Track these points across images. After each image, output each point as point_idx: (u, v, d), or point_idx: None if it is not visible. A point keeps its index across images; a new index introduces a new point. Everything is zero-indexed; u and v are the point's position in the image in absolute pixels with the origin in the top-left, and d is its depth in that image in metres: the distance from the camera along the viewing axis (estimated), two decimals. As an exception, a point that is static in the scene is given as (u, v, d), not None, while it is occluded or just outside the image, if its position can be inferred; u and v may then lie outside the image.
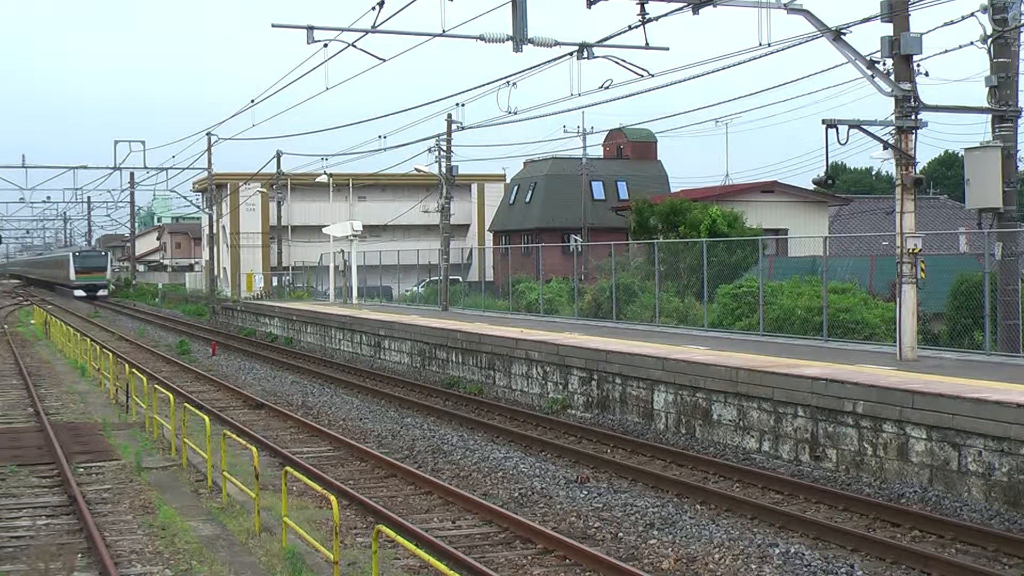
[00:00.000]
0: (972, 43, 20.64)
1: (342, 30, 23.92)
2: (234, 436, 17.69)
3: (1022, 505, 13.79)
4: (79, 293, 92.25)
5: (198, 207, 75.64)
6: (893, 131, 19.05)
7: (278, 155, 59.32)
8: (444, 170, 41.24)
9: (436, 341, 30.66)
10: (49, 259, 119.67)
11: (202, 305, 66.99)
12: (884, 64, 18.95)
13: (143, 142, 58.15)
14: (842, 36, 19.05)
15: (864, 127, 18.94)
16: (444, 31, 23.13)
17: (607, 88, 24.62)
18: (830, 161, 18.99)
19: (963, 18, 20.27)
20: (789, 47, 20.92)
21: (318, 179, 57.98)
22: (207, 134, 60.57)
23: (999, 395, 14.51)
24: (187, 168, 63.95)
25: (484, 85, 31.76)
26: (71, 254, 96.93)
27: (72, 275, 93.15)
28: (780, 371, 18.07)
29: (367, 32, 23.48)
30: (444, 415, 23.86)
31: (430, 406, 24.99)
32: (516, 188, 66.90)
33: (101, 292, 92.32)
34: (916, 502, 14.68)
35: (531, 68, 26.41)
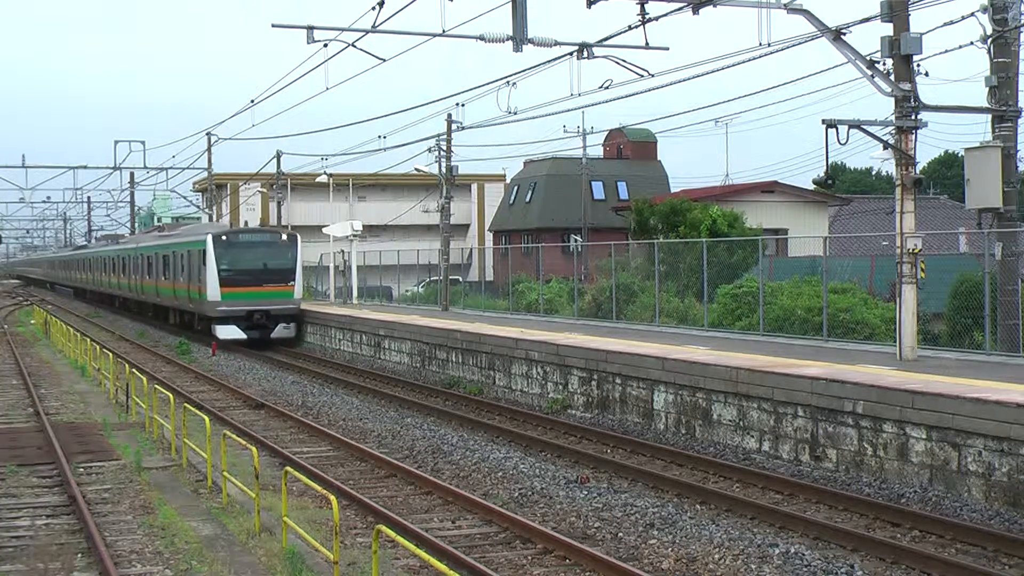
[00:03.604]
0: (972, 43, 20.66)
1: (342, 30, 23.94)
2: (234, 436, 17.68)
3: (1022, 505, 13.79)
4: (229, 333, 40.24)
5: (198, 207, 75.63)
6: (893, 131, 19.05)
7: (278, 155, 59.26)
8: (444, 170, 41.23)
9: (436, 341, 30.64)
10: (140, 250, 54.82)
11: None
12: (884, 64, 18.96)
13: (143, 142, 58.32)
14: (842, 36, 19.05)
15: (864, 127, 18.94)
16: (444, 31, 23.14)
17: (607, 88, 24.63)
18: (830, 161, 18.99)
19: (963, 18, 20.28)
20: (789, 47, 20.95)
21: (318, 179, 57.90)
22: (207, 134, 60.57)
23: (999, 395, 14.51)
24: (187, 168, 63.99)
25: (484, 85, 31.81)
26: (210, 237, 41.18)
27: (212, 289, 40.38)
28: (780, 371, 18.07)
29: (367, 32, 23.49)
30: (444, 415, 23.84)
31: (430, 406, 24.98)
32: (516, 188, 66.92)
33: (283, 331, 41.21)
34: (916, 502, 14.68)
35: (531, 68, 26.45)
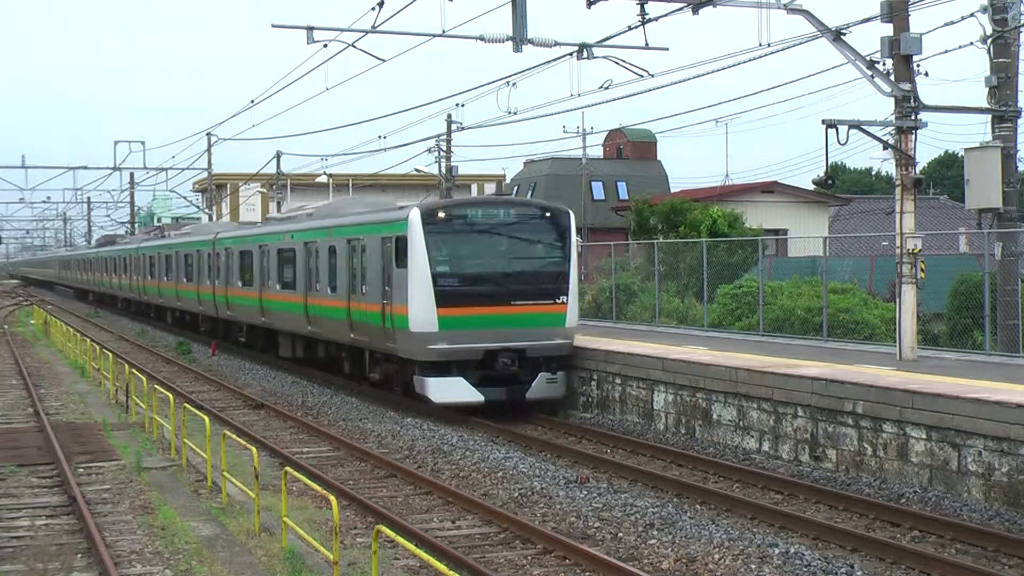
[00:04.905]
0: (972, 43, 20.68)
1: (342, 30, 23.95)
2: (234, 436, 17.70)
3: (1022, 505, 13.79)
4: (451, 391, 22.10)
5: (198, 207, 75.61)
6: (893, 131, 19.06)
7: (278, 155, 59.30)
8: (444, 170, 41.28)
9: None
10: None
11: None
12: (884, 64, 18.97)
13: (143, 142, 58.27)
14: (842, 36, 19.06)
15: (864, 127, 18.95)
16: (444, 31, 23.15)
17: (607, 88, 24.67)
18: (830, 161, 19.01)
19: (963, 18, 20.30)
20: (789, 47, 20.96)
21: (318, 179, 57.95)
22: (207, 134, 60.61)
23: (999, 395, 14.51)
24: (187, 168, 64.01)
25: (484, 85, 31.86)
26: (417, 215, 22.16)
27: (421, 311, 21.85)
28: (780, 371, 18.07)
29: (367, 32, 23.49)
30: (443, 415, 23.81)
31: (430, 408, 24.93)
32: (516, 188, 66.94)
33: (545, 386, 22.55)
34: (916, 502, 14.68)
35: (531, 68, 26.49)
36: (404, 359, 22.99)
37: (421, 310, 21.88)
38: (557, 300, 22.66)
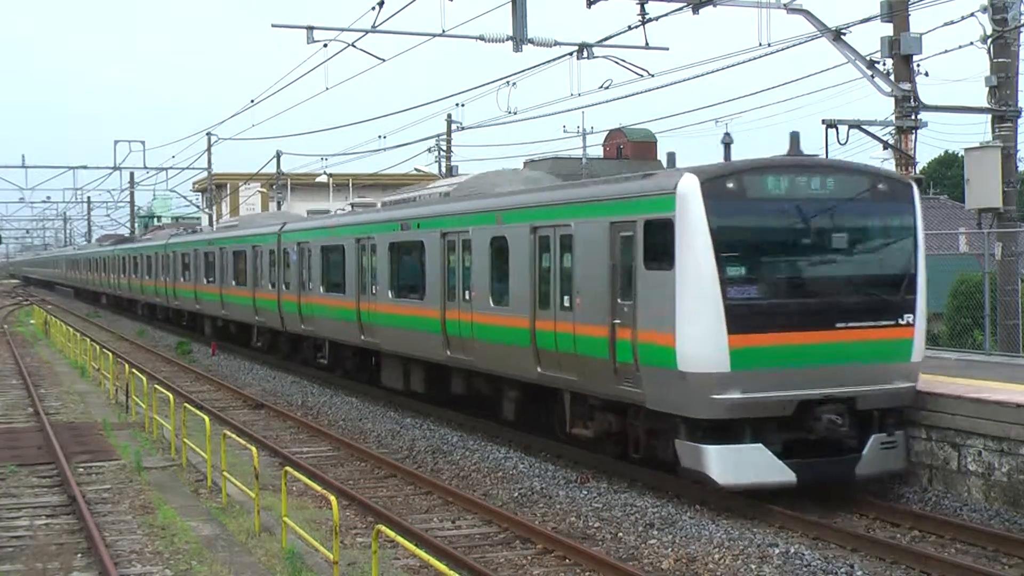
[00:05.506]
0: (972, 43, 20.70)
1: (342, 30, 23.99)
2: (234, 436, 17.69)
3: (1022, 505, 13.78)
4: (746, 467, 13.91)
5: (198, 207, 75.61)
6: (893, 131, 19.08)
7: (278, 155, 59.35)
8: (444, 170, 41.30)
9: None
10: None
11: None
12: (884, 64, 19.01)
13: (143, 142, 58.21)
14: (842, 36, 19.09)
15: (864, 127, 18.98)
16: (444, 31, 23.19)
17: (607, 88, 24.73)
18: (830, 161, 19.01)
19: (963, 18, 20.33)
20: (789, 47, 21.00)
21: (318, 179, 58.02)
22: (207, 134, 60.61)
23: (999, 395, 14.50)
24: (187, 168, 64.00)
25: (484, 85, 31.90)
26: (695, 183, 13.90)
27: (701, 340, 13.85)
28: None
29: (367, 32, 23.53)
30: (443, 416, 23.80)
31: (430, 408, 24.94)
32: (516, 188, 66.88)
33: (879, 453, 14.52)
34: (916, 502, 14.67)
35: (531, 68, 26.54)
36: (654, 413, 14.95)
37: (701, 338, 14.04)
38: (901, 320, 14.92)
